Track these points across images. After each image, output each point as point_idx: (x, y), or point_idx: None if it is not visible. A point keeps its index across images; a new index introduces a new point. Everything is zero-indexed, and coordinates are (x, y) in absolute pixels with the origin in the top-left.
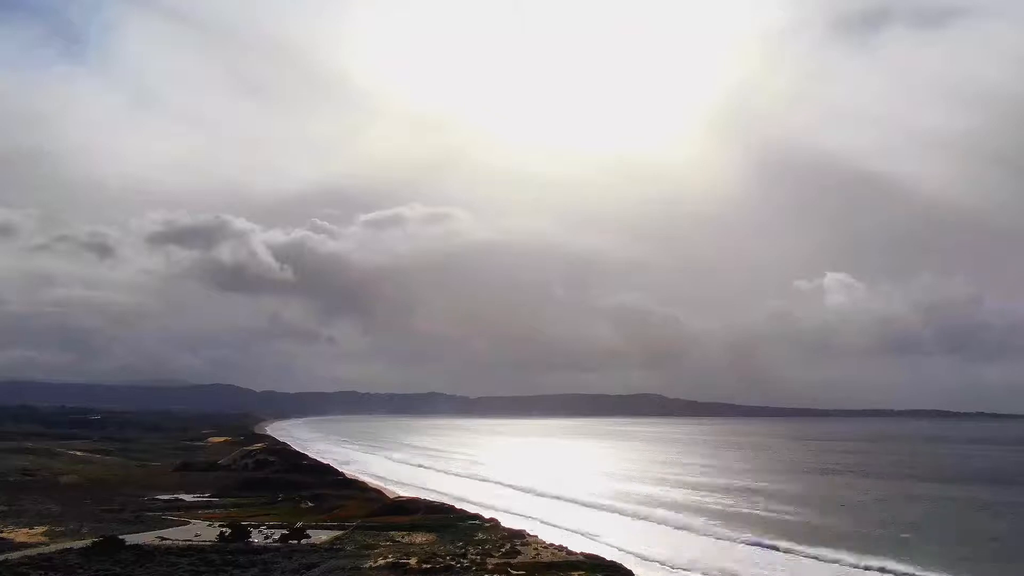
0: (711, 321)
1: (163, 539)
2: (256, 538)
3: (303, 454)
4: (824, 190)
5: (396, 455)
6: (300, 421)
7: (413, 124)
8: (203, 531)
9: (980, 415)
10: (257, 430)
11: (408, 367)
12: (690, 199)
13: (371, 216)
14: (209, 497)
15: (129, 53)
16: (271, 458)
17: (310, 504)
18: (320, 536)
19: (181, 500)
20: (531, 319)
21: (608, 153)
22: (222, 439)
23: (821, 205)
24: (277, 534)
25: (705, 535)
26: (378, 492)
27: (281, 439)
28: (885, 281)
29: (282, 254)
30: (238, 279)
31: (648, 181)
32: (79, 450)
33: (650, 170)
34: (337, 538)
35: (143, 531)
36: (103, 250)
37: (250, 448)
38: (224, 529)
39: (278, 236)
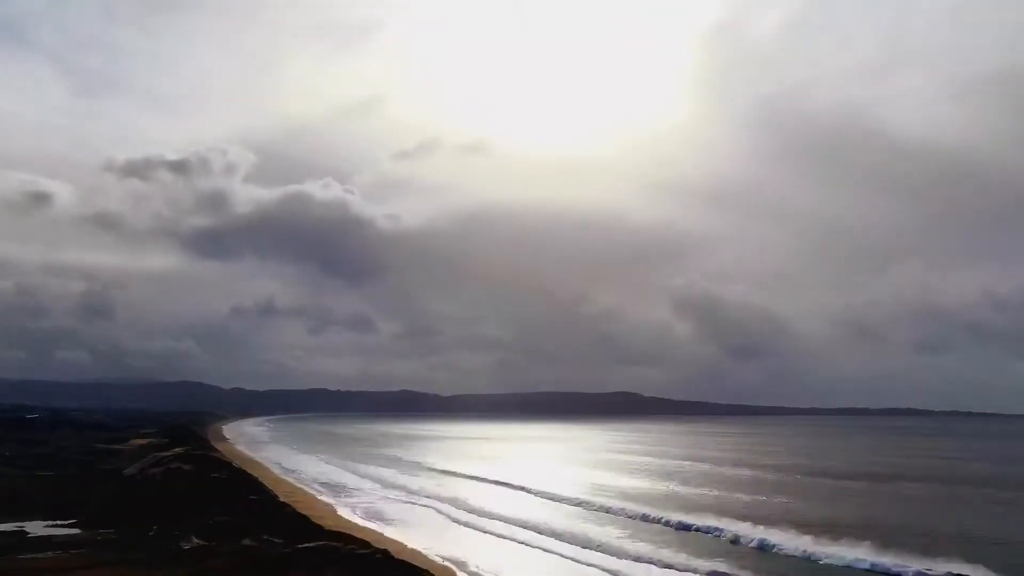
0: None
1: None
2: None
3: (226, 462)
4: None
5: (352, 462)
6: (264, 420)
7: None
8: None
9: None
10: (210, 433)
11: (387, 361)
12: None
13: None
14: (69, 526)
15: None
16: (185, 467)
17: (195, 542)
18: None
19: (24, 532)
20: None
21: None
22: (144, 441)
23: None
24: None
25: None
26: (306, 520)
27: (230, 441)
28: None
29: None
30: (209, 244)
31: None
32: None
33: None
34: None
35: None
36: (40, 199)
37: (164, 454)
38: None
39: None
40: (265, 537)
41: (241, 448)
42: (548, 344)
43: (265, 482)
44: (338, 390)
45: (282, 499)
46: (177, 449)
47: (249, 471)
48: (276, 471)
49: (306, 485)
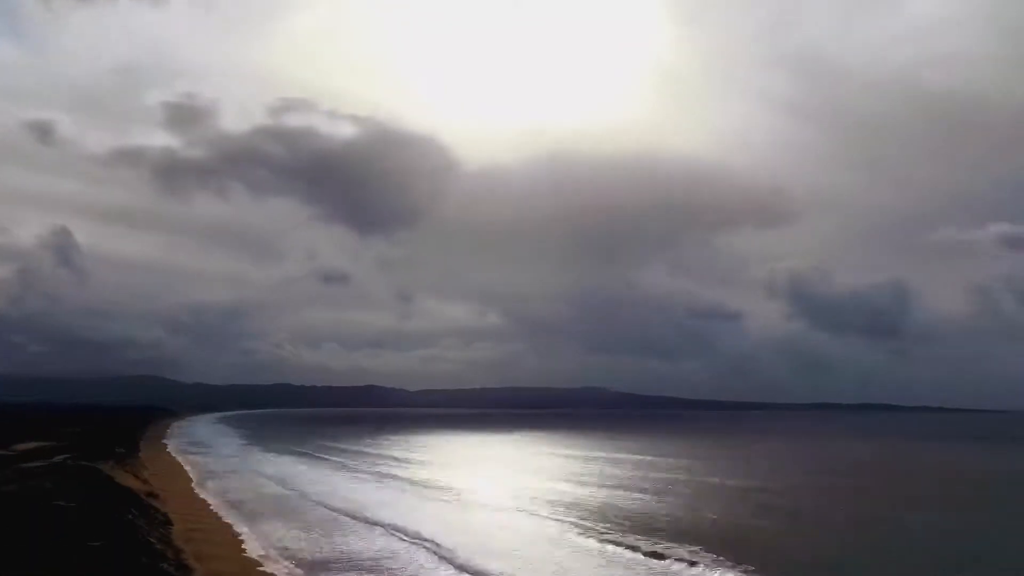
0: None
1: None
2: None
3: (108, 476)
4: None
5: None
6: (220, 416)
7: None
8: None
9: None
10: (150, 431)
11: (361, 352)
12: None
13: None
14: None
15: None
16: (47, 484)
17: None
18: None
19: None
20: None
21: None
22: (33, 445)
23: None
24: None
25: None
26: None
27: (166, 444)
28: None
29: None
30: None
31: None
32: None
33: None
34: None
35: None
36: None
37: (29, 465)
38: None
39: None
40: None
41: (172, 453)
42: (594, 328)
43: (165, 504)
44: (301, 385)
45: (175, 535)
46: (57, 457)
47: (146, 487)
48: (194, 487)
49: (221, 505)
